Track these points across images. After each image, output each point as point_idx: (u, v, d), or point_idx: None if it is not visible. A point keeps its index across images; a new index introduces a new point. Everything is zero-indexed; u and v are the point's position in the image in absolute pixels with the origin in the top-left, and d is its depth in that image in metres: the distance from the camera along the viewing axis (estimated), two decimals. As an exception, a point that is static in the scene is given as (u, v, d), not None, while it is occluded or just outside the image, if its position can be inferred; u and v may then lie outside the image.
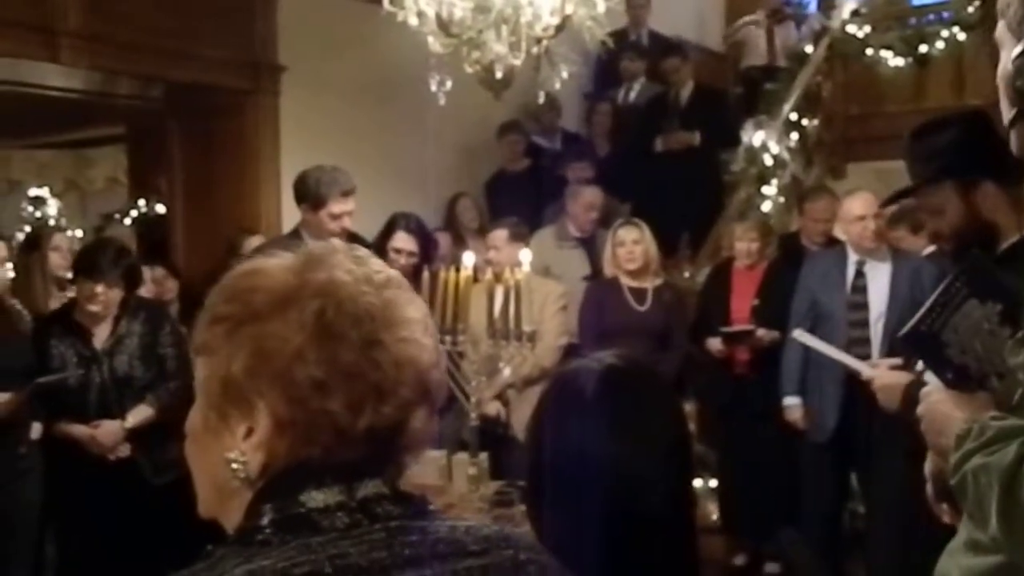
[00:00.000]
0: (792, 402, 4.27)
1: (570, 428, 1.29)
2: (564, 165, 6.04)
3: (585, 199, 5.22)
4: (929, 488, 1.97)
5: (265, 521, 0.91)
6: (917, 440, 2.30)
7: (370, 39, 5.14)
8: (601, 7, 2.96)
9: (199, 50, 5.02)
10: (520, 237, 4.48)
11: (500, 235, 4.39)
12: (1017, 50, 1.16)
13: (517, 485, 3.10)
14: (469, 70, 3.08)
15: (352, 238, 4.15)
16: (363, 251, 1.01)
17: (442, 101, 3.11)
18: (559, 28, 2.92)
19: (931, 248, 5.49)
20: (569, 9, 2.89)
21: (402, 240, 4.04)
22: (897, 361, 2.59)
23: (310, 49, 5.36)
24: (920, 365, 1.40)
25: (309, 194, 3.80)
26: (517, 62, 2.92)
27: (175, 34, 4.92)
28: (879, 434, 2.62)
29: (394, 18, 3.22)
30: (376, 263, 1.00)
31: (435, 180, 5.92)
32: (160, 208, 7.43)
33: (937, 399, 1.35)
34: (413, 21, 3.11)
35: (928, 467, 1.71)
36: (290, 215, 4.53)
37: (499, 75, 2.90)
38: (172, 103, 5.65)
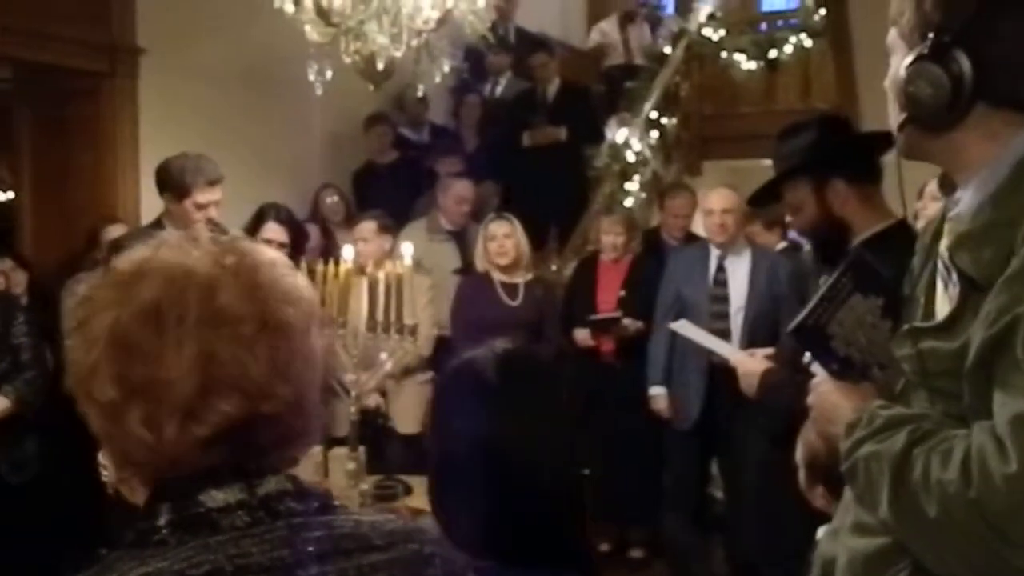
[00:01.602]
0: (657, 392, 4.41)
1: (472, 414, 1.31)
2: (434, 158, 6.03)
3: (456, 192, 5.23)
4: (801, 474, 2.09)
5: (162, 521, 0.89)
6: (778, 425, 2.43)
7: (239, 23, 5.00)
8: (481, 2, 2.97)
9: (51, 30, 4.74)
10: (387, 229, 4.46)
11: (368, 227, 4.36)
12: (909, 58, 1.24)
13: (397, 479, 3.10)
14: (348, 60, 3.03)
15: (217, 230, 4.05)
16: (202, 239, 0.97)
17: (319, 91, 3.05)
18: (440, 21, 2.92)
19: (783, 244, 5.80)
20: (450, 3, 2.89)
21: (273, 231, 3.96)
22: (770, 351, 2.73)
23: (173, 32, 5.15)
24: (807, 357, 1.48)
25: (173, 183, 3.68)
26: (398, 54, 2.91)
27: (25, 12, 4.63)
28: (745, 420, 2.74)
29: (265, 3, 3.14)
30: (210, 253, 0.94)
31: (302, 170, 5.80)
32: (4, 196, 7.00)
33: (825, 389, 1.43)
34: (289, 8, 3.04)
35: (800, 453, 1.80)
36: (150, 205, 4.36)
37: (381, 67, 2.88)
38: (22, 86, 5.32)
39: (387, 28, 2.81)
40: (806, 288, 4.61)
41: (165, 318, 0.89)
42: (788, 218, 6.81)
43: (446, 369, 1.41)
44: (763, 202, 2.94)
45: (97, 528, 2.64)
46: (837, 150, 2.48)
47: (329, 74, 2.94)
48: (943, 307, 1.29)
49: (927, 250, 1.39)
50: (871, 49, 6.87)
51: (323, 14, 2.83)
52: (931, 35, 1.23)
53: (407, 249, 2.99)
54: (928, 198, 3.84)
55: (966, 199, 1.28)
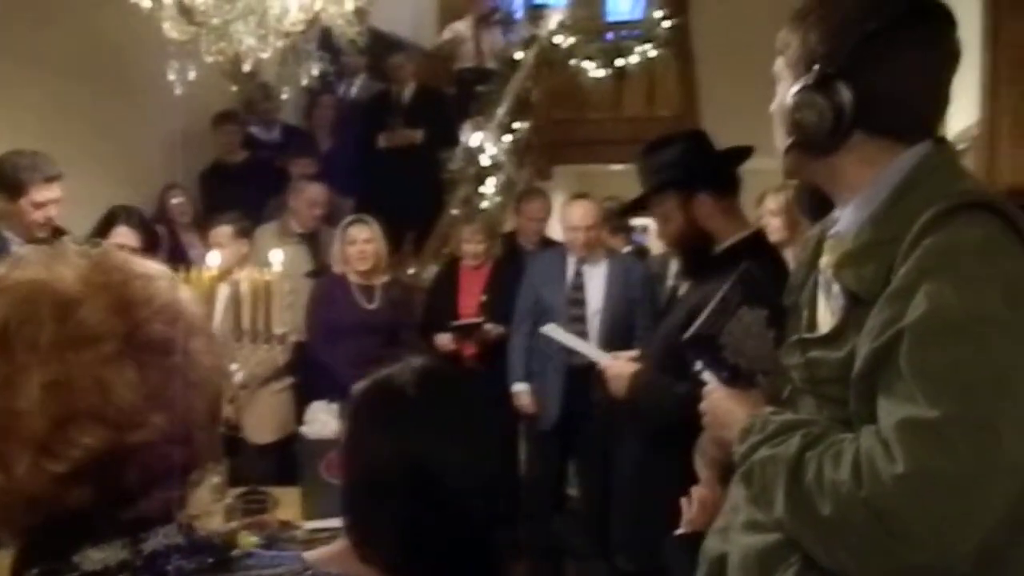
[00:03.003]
0: (520, 388, 4.46)
1: (392, 431, 1.31)
2: (287, 159, 5.90)
3: (309, 195, 5.13)
4: (706, 476, 2.19)
5: None
6: (647, 425, 2.54)
7: (83, 11, 4.74)
8: (350, 5, 2.94)
9: None
10: (245, 232, 4.35)
11: (224, 231, 4.23)
12: (795, 87, 1.32)
13: (261, 491, 3.03)
14: (210, 60, 2.94)
15: (57, 233, 3.83)
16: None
17: (179, 91, 2.94)
18: (309, 24, 2.87)
19: (628, 248, 6.00)
20: (319, 5, 2.85)
21: (124, 235, 3.79)
22: (635, 353, 2.84)
23: (6, 15, 4.82)
24: (699, 365, 1.55)
25: (5, 181, 3.48)
26: (266, 55, 2.84)
27: None
28: (615, 421, 2.84)
29: (120, -5, 3.00)
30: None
31: (147, 169, 5.55)
32: None
33: (717, 396, 1.51)
34: (146, 3, 2.92)
35: (699, 462, 1.90)
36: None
37: (247, 68, 2.80)
38: None
39: (254, 29, 2.75)
40: (656, 291, 4.84)
41: (14, 341, 0.79)
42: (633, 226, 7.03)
43: (366, 383, 1.40)
44: (631, 214, 3.05)
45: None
46: (702, 165, 2.60)
47: (192, 75, 2.84)
48: (826, 319, 1.39)
49: (808, 265, 1.49)
50: (712, 61, 7.25)
51: (186, 12, 2.74)
52: (816, 66, 1.32)
53: (276, 256, 2.92)
54: (767, 213, 4.08)
55: (845, 219, 1.38)
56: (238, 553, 0.89)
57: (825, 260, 1.41)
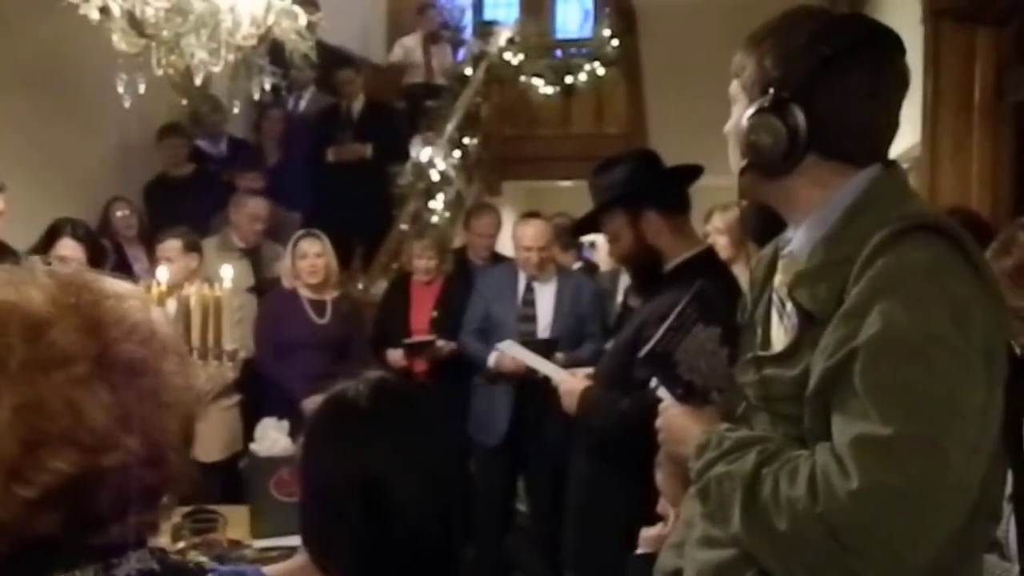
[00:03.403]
0: (493, 354, 4.30)
1: (345, 445, 1.30)
2: (233, 173, 5.83)
3: (249, 210, 5.06)
4: (667, 491, 2.21)
5: None
6: (595, 440, 2.56)
7: (24, 20, 4.64)
8: (303, 20, 2.94)
9: None
10: (194, 247, 4.29)
11: (173, 245, 4.17)
12: (751, 110, 1.35)
13: (210, 509, 2.98)
14: (160, 72, 2.91)
15: (0, 248, 3.75)
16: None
17: (127, 104, 2.90)
18: (262, 38, 2.86)
19: (578, 264, 6.05)
20: (271, 20, 2.83)
21: (69, 248, 3.73)
22: (590, 370, 2.86)
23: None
24: (654, 381, 1.57)
25: None
26: (217, 69, 2.82)
27: None
28: (566, 436, 2.86)
29: (54, 2, 2.94)
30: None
31: (90, 183, 5.44)
32: None
33: (673, 413, 1.52)
34: (95, 16, 2.88)
35: (660, 479, 1.93)
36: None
37: (199, 81, 2.78)
38: None
39: (205, 43, 2.72)
40: (607, 307, 4.88)
41: None
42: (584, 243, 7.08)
43: (323, 399, 1.40)
44: (583, 233, 3.08)
45: None
46: (650, 183, 2.64)
47: (142, 88, 2.80)
48: (779, 337, 1.42)
49: (761, 284, 1.52)
50: (659, 79, 7.35)
51: (136, 25, 2.70)
52: (771, 90, 1.35)
53: (227, 272, 2.89)
54: (714, 231, 4.14)
55: (798, 239, 1.41)
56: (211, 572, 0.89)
57: (779, 279, 1.44)
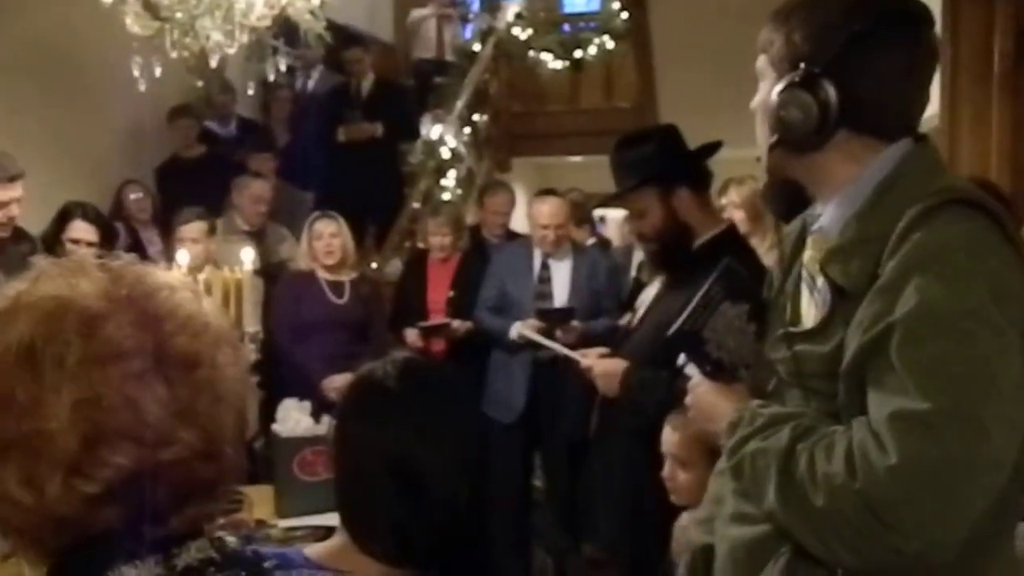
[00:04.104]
0: (515, 325, 4.31)
1: (375, 425, 1.32)
2: (245, 154, 5.83)
3: (252, 192, 5.04)
4: (667, 464, 2.21)
5: None
6: (641, 421, 2.55)
7: (35, 5, 4.63)
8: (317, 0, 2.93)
9: None
10: (214, 230, 4.31)
11: (198, 227, 4.17)
12: (781, 85, 1.35)
13: (234, 490, 3.01)
14: (174, 55, 2.90)
15: (18, 232, 3.76)
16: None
17: (143, 87, 2.90)
18: (276, 19, 2.85)
19: (592, 239, 6.04)
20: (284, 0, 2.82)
21: (82, 230, 3.75)
22: (605, 350, 2.85)
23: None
24: (682, 359, 1.58)
25: None
26: (232, 50, 2.81)
27: None
28: (603, 417, 2.85)
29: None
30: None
31: (102, 166, 5.45)
32: None
33: (703, 390, 1.52)
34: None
35: (667, 445, 1.92)
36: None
37: (214, 64, 2.77)
38: None
39: (220, 24, 2.71)
40: (620, 283, 4.87)
41: (41, 360, 0.77)
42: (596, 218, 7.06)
43: (353, 379, 1.41)
44: (609, 206, 3.06)
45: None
46: (680, 160, 2.63)
47: (158, 71, 2.80)
48: (810, 313, 1.41)
49: (789, 260, 1.52)
50: (669, 52, 7.30)
51: (150, 7, 2.69)
52: (802, 65, 1.34)
53: (247, 254, 2.90)
54: (730, 205, 4.12)
55: (828, 214, 1.40)
56: (270, 565, 0.88)
57: (808, 255, 1.43)
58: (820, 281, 1.38)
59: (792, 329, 1.41)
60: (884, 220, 1.28)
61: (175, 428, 0.80)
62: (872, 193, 1.33)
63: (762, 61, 1.43)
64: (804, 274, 1.45)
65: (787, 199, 1.53)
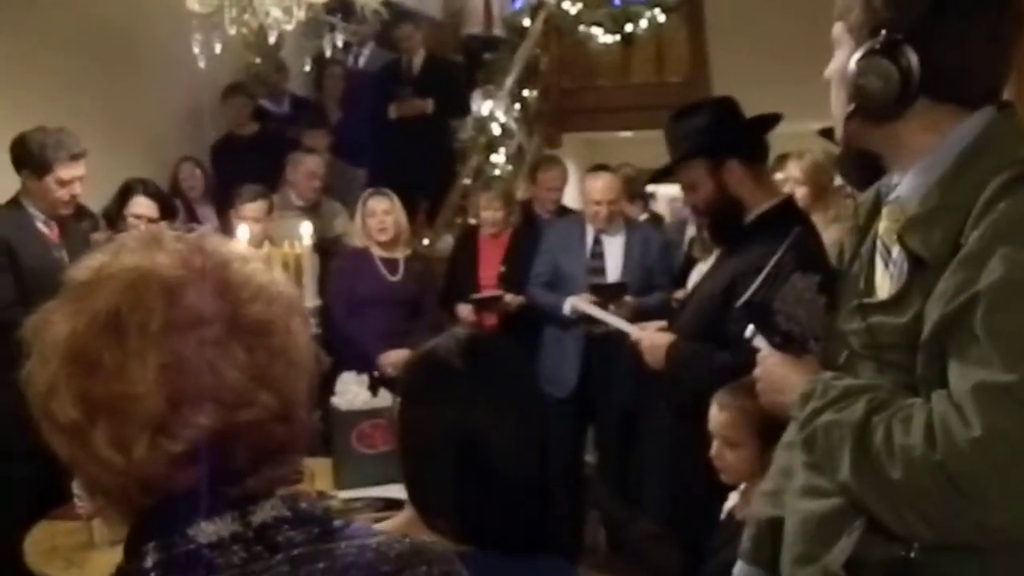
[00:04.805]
0: (568, 300, 4.31)
1: (440, 402, 1.32)
2: (299, 131, 5.87)
3: (307, 167, 5.08)
4: (715, 443, 2.21)
5: (149, 563, 0.81)
6: (686, 395, 2.55)
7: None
8: (375, -24, 2.93)
9: None
10: (272, 208, 4.36)
11: (261, 206, 4.23)
12: (860, 52, 1.32)
13: (297, 461, 3.05)
14: (232, 32, 2.92)
15: (80, 210, 3.84)
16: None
17: (202, 64, 2.93)
18: (333, -5, 2.86)
19: (644, 215, 6.00)
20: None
21: (143, 206, 3.82)
22: (663, 323, 2.84)
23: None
24: (750, 331, 1.56)
25: (32, 159, 3.51)
26: (290, 26, 2.82)
27: None
28: (648, 391, 2.85)
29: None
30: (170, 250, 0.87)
31: (159, 143, 5.52)
32: None
33: (772, 362, 1.51)
34: (168, -23, 2.90)
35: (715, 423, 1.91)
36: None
37: (273, 40, 2.79)
38: None
39: (279, 0, 2.73)
40: (672, 258, 4.84)
41: (126, 327, 0.81)
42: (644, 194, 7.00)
43: (413, 356, 1.42)
44: (657, 182, 3.04)
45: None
46: (731, 132, 2.59)
47: (218, 48, 2.82)
48: (884, 284, 1.39)
49: (862, 230, 1.49)
50: (722, 25, 7.19)
51: (210, -15, 2.72)
52: (883, 32, 1.31)
53: (306, 228, 2.93)
54: (792, 181, 4.04)
55: (907, 184, 1.37)
56: (339, 523, 0.91)
57: (884, 226, 1.41)
58: (896, 251, 1.35)
59: (867, 300, 1.39)
60: (968, 189, 1.25)
61: (253, 390, 0.84)
62: (955, 162, 1.30)
63: (838, 28, 1.40)
64: (879, 245, 1.42)
65: (863, 169, 1.50)
